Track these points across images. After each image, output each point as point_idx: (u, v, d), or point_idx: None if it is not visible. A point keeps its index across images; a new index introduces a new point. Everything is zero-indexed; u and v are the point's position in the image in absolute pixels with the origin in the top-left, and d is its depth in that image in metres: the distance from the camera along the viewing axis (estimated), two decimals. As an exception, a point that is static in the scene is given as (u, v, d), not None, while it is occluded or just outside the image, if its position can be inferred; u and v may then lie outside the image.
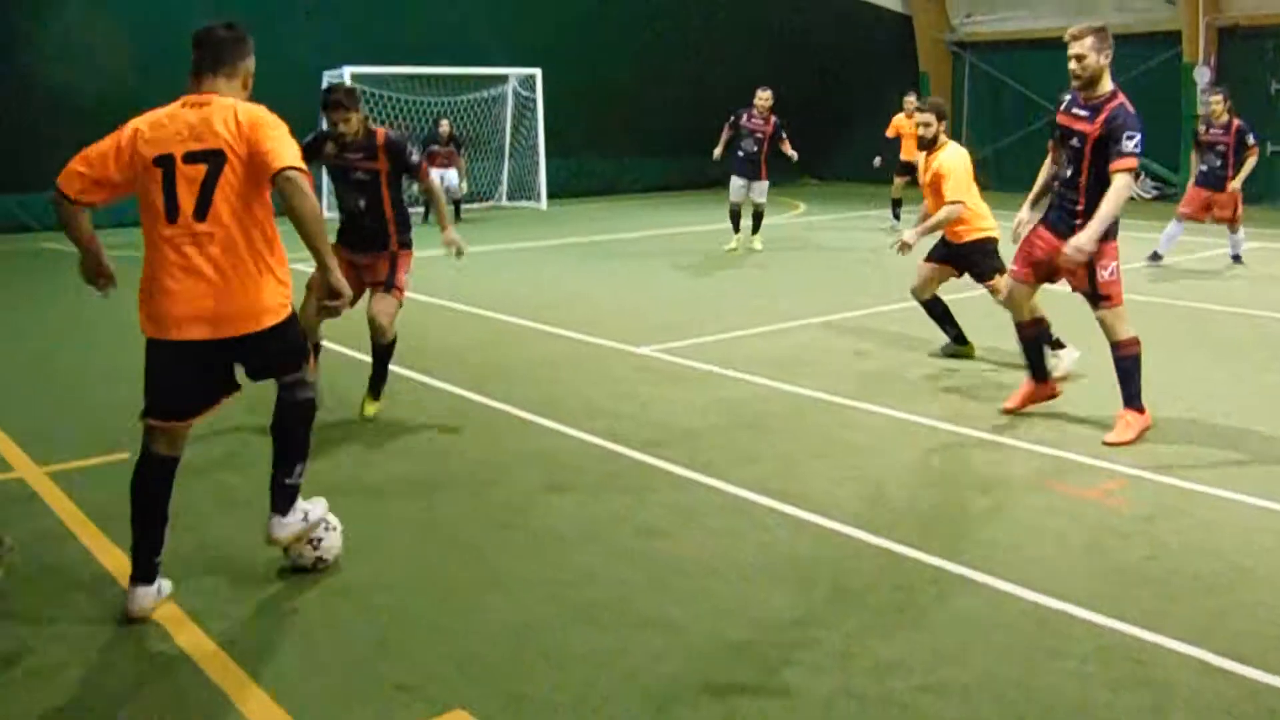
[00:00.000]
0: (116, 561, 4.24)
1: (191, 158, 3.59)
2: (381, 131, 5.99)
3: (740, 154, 13.27)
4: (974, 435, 5.96)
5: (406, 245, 6.17)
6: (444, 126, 17.02)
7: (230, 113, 3.64)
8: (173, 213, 3.60)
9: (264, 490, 4.10)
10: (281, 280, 3.79)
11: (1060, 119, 5.89)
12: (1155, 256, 12.14)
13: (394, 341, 6.14)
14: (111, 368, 7.10)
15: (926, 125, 7.58)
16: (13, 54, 14.43)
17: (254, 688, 3.38)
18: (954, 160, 7.51)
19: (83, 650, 3.61)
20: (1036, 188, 6.33)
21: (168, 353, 3.71)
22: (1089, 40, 5.63)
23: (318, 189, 4.75)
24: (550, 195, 19.19)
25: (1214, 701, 3.32)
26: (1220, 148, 11.75)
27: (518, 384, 7.02)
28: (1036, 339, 6.23)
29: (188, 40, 3.80)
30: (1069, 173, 5.84)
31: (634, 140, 20.54)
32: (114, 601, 3.92)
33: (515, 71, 18.95)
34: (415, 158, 6.05)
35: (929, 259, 7.83)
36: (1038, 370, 6.26)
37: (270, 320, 3.73)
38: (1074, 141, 5.76)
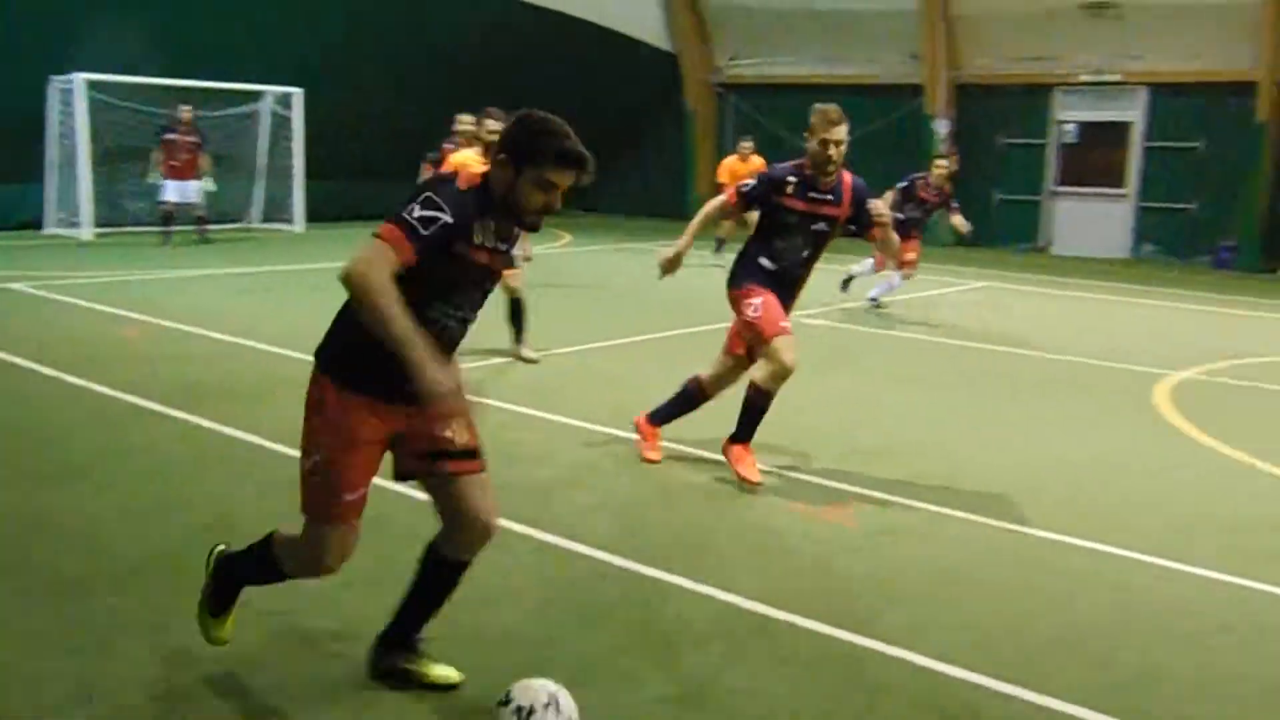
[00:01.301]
0: None
1: None
2: None
3: None
4: (716, 459, 6.10)
5: None
6: (185, 112, 15.48)
7: None
8: None
9: None
10: None
11: (799, 205, 5.65)
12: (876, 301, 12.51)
13: None
14: None
15: (495, 133, 8.19)
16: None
17: None
18: None
19: None
20: (701, 227, 5.92)
21: None
22: (846, 127, 5.53)
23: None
24: (311, 218, 18.60)
25: (923, 700, 3.54)
26: (929, 206, 12.39)
27: (235, 403, 6.75)
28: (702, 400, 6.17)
29: None
30: (805, 254, 5.79)
31: (399, 162, 20.17)
32: None
33: (272, 89, 18.30)
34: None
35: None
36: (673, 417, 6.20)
37: None
38: (819, 225, 5.69)
